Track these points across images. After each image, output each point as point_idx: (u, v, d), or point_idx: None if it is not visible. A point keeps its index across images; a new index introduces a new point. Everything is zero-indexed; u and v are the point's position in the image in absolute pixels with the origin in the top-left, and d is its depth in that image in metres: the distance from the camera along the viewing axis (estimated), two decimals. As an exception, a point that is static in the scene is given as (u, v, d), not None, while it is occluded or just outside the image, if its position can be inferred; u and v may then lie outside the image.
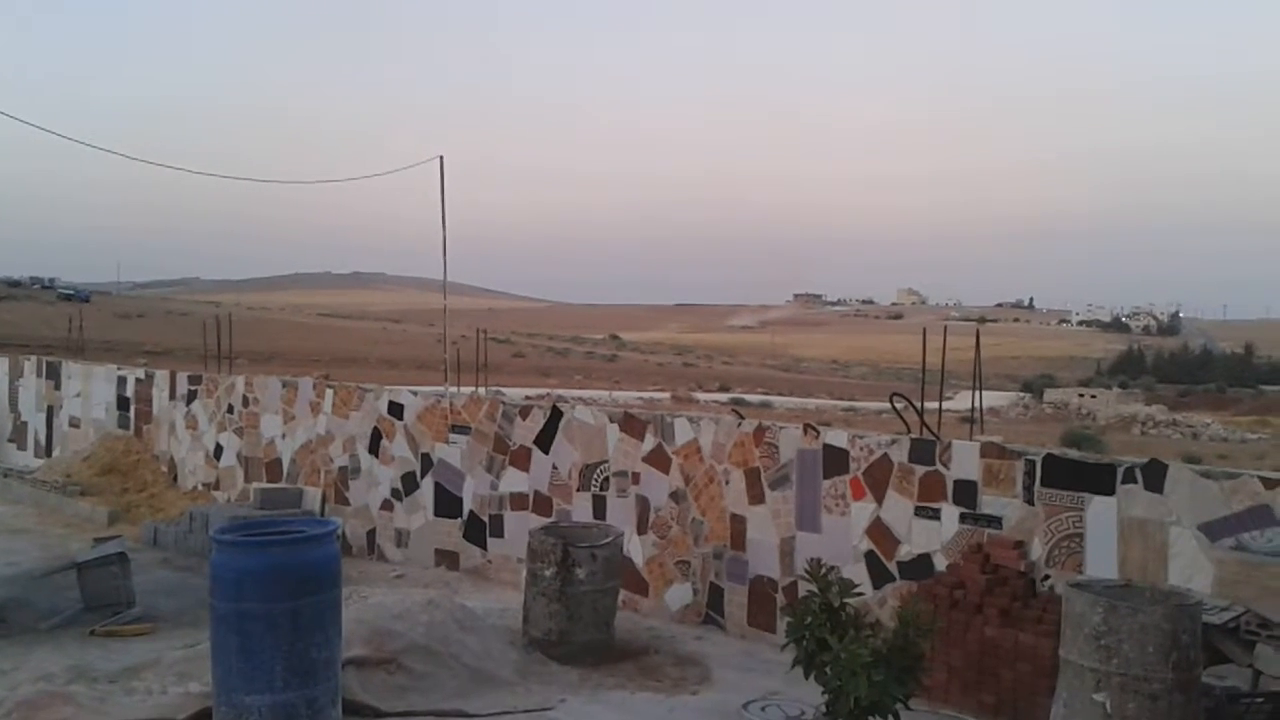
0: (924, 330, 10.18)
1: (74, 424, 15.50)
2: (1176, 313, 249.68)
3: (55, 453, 15.60)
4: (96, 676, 6.59)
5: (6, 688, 6.35)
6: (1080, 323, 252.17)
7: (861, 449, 7.73)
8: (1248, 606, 5.52)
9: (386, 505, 11.12)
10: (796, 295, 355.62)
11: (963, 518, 7.15)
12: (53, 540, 11.27)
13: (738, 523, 8.41)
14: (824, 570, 5.75)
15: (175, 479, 13.72)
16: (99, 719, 5.73)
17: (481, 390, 12.31)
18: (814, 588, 5.66)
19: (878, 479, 7.62)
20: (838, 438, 7.94)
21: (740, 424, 8.53)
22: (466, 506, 10.41)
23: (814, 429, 8.13)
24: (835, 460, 7.86)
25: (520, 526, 9.57)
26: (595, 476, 9.40)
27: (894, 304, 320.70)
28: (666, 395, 63.59)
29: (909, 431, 7.99)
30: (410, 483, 10.90)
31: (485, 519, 10.26)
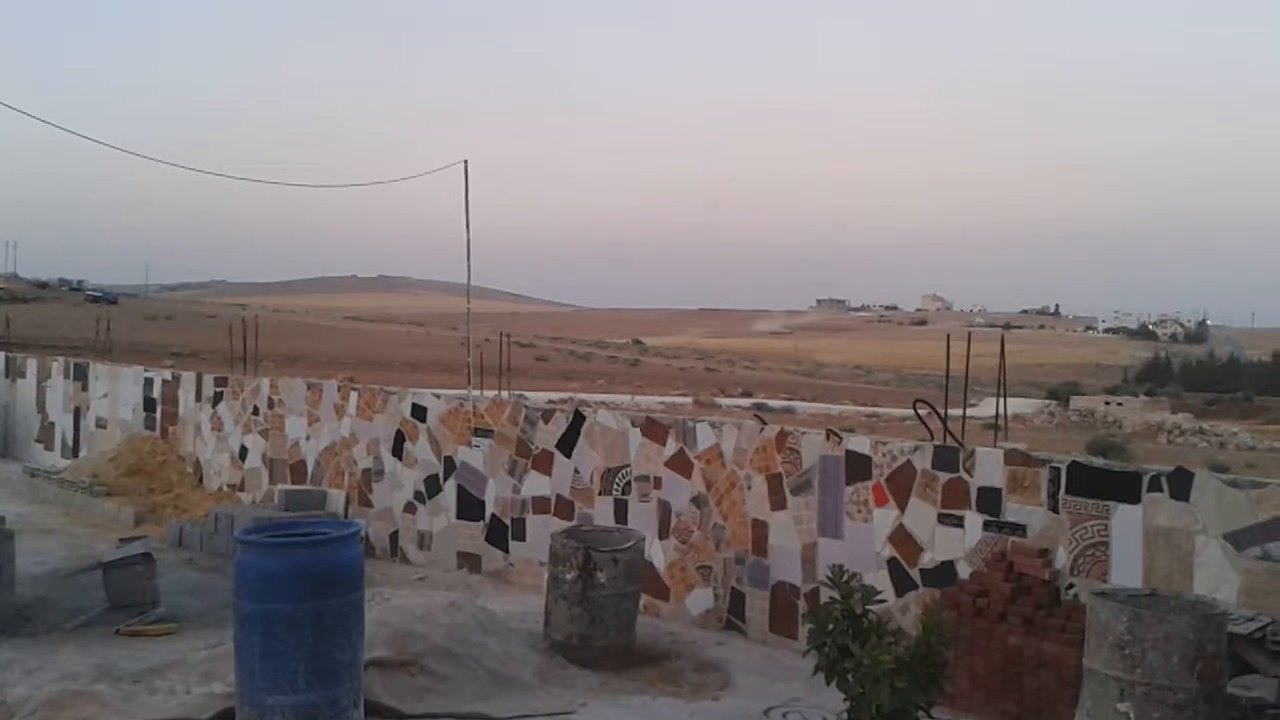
0: (948, 336, 10.13)
1: (101, 425, 15.64)
2: (1203, 320, 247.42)
3: (82, 453, 15.74)
4: (121, 676, 6.64)
5: (32, 686, 6.40)
6: (1106, 330, 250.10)
7: (884, 455, 7.71)
8: (1274, 616, 5.48)
9: (409, 508, 11.16)
10: (820, 300, 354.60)
11: (986, 525, 7.11)
12: (79, 540, 11.35)
13: (759, 528, 8.40)
14: (846, 577, 5.74)
15: (201, 480, 13.81)
16: (123, 718, 5.78)
17: (504, 394, 12.34)
18: (836, 594, 5.65)
19: (901, 485, 7.59)
20: (860, 444, 7.91)
21: (762, 429, 8.51)
22: (489, 509, 10.44)
23: (837, 435, 8.11)
24: (858, 466, 7.84)
25: (542, 530, 9.58)
26: (617, 481, 9.41)
27: (918, 310, 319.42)
28: (689, 400, 63.51)
29: (932, 438, 7.96)
30: (433, 485, 10.93)
31: (507, 522, 10.28)
